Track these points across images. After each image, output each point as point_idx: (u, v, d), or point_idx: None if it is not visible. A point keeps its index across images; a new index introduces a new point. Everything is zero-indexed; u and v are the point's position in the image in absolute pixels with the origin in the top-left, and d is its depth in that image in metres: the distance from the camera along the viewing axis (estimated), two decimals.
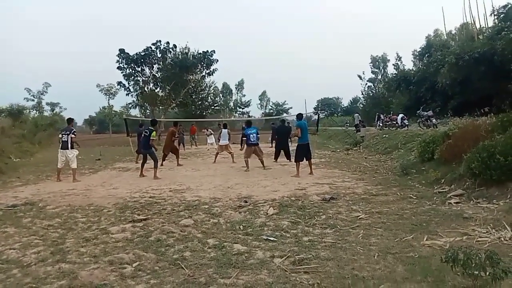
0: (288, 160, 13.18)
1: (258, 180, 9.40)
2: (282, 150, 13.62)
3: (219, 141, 15.28)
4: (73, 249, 4.27)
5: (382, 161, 12.69)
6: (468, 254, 2.85)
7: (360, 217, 5.39)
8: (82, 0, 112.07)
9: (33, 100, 47.67)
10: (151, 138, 10.46)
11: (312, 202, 6.50)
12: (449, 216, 5.20)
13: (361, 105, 53.93)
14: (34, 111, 44.31)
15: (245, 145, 12.49)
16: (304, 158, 10.31)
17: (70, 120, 11.54)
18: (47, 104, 51.87)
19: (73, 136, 10.34)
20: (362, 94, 55.55)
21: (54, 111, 51.56)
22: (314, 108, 60.52)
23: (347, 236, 4.52)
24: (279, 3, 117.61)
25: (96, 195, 7.84)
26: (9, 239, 4.73)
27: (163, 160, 13.73)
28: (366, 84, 54.62)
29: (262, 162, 11.96)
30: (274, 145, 23.02)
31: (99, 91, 50.61)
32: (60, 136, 10.54)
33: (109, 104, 54.06)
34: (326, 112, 66.16)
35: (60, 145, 10.32)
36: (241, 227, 5.07)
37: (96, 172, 12.22)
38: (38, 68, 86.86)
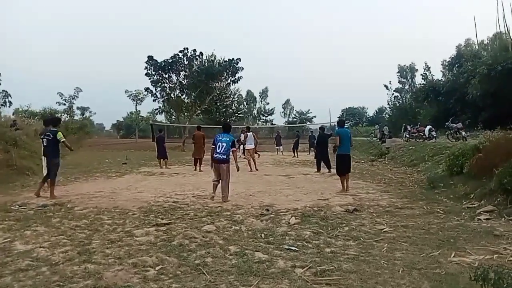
0: (328, 171, 12.94)
1: (281, 189, 9.37)
2: (322, 160, 13.37)
3: (243, 146, 15.04)
4: (98, 250, 4.38)
5: (408, 174, 12.38)
6: (500, 273, 2.73)
7: (385, 230, 5.27)
8: (114, 4, 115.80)
9: (64, 104, 49.42)
10: (59, 139, 8.35)
11: (335, 213, 6.42)
12: (478, 233, 5.01)
13: (387, 116, 52.95)
14: (65, 115, 45.91)
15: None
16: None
17: (49, 121, 9.54)
18: (78, 108, 53.55)
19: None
20: (388, 104, 54.51)
21: (84, 115, 53.28)
22: (339, 117, 60.00)
23: (371, 249, 4.42)
24: (303, 10, 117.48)
25: (122, 198, 8.04)
26: (39, 237, 4.91)
27: (200, 165, 13.98)
28: (393, 94, 53.60)
29: (223, 192, 7.72)
30: (296, 154, 23.04)
31: (127, 96, 52.02)
32: (41, 140, 8.98)
33: (136, 110, 55.47)
34: (350, 122, 65.32)
35: (42, 150, 8.88)
36: (262, 235, 5.06)
37: (122, 176, 12.54)
38: (70, 73, 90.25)
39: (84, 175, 12.32)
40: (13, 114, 28.79)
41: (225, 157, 7.77)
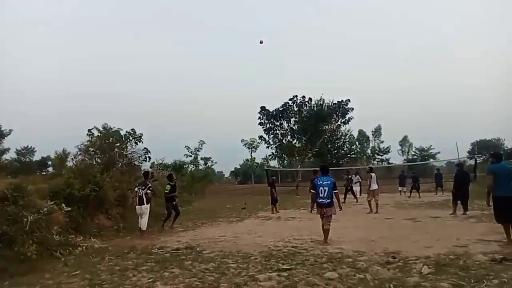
0: (463, 213, 11.67)
1: (406, 234, 8.55)
2: (460, 201, 11.95)
3: (369, 187, 14.28)
4: None
5: None
6: None
7: None
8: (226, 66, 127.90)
9: (191, 156, 55.42)
10: (165, 191, 11.10)
11: (477, 262, 5.53)
12: None
13: None
14: (191, 165, 51.20)
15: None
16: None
17: (147, 174, 10.39)
18: (201, 159, 59.48)
19: (149, 191, 9.66)
20: None
21: (207, 165, 58.63)
22: (469, 152, 53.20)
23: None
24: (414, 41, 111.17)
25: (243, 242, 8.37)
26: (175, 279, 5.40)
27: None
28: None
29: (325, 232, 7.83)
30: (418, 194, 21.03)
31: (243, 145, 55.98)
32: (136, 189, 9.97)
33: (251, 157, 58.85)
34: (484, 156, 57.29)
35: (137, 200, 9.79)
36: (391, 285, 4.64)
37: (242, 220, 13.13)
38: (195, 129, 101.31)
39: (209, 220, 13.28)
40: (150, 167, 33.27)
41: (329, 200, 7.81)
